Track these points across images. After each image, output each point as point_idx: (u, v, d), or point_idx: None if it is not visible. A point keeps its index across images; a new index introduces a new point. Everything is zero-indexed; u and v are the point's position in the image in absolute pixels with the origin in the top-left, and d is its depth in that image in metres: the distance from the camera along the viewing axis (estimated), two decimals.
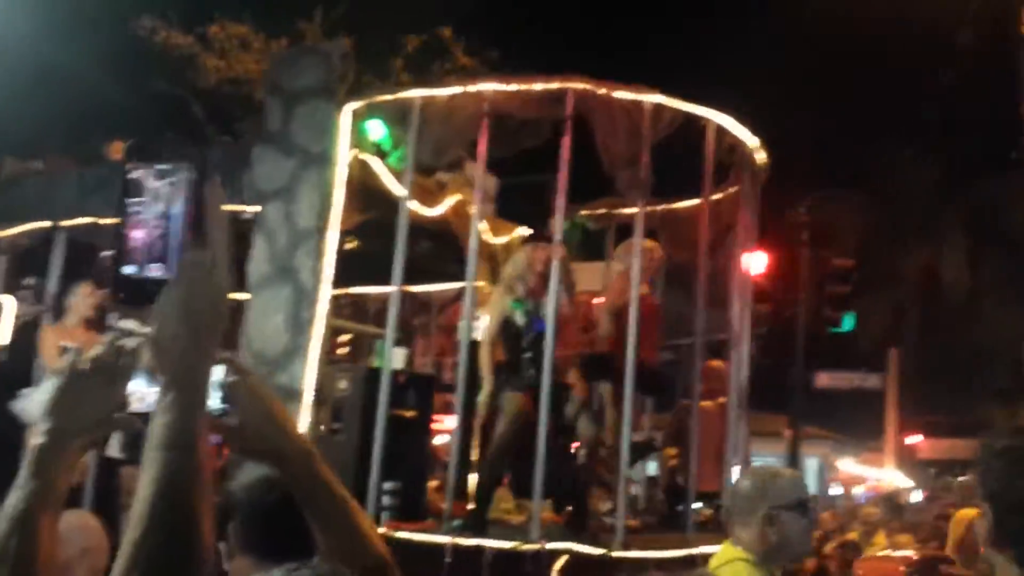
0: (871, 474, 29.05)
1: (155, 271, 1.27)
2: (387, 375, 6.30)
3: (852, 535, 11.10)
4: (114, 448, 6.77)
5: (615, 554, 5.74)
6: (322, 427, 6.55)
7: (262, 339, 6.58)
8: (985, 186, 27.06)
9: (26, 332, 7.91)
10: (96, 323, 7.55)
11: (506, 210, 8.64)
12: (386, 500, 6.22)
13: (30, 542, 1.27)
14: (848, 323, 17.75)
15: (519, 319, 6.28)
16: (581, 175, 9.05)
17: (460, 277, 8.91)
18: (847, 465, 28.97)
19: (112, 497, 6.93)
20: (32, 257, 7.98)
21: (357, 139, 6.72)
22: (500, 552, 5.77)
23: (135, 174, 1.29)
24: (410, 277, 8.81)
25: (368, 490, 6.16)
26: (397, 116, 6.67)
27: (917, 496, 25.04)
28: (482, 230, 7.93)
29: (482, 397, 6.21)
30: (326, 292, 6.53)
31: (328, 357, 6.73)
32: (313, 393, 6.38)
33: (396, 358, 6.83)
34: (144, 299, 1.25)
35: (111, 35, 17.93)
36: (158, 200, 1.28)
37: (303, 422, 6.33)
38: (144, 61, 17.90)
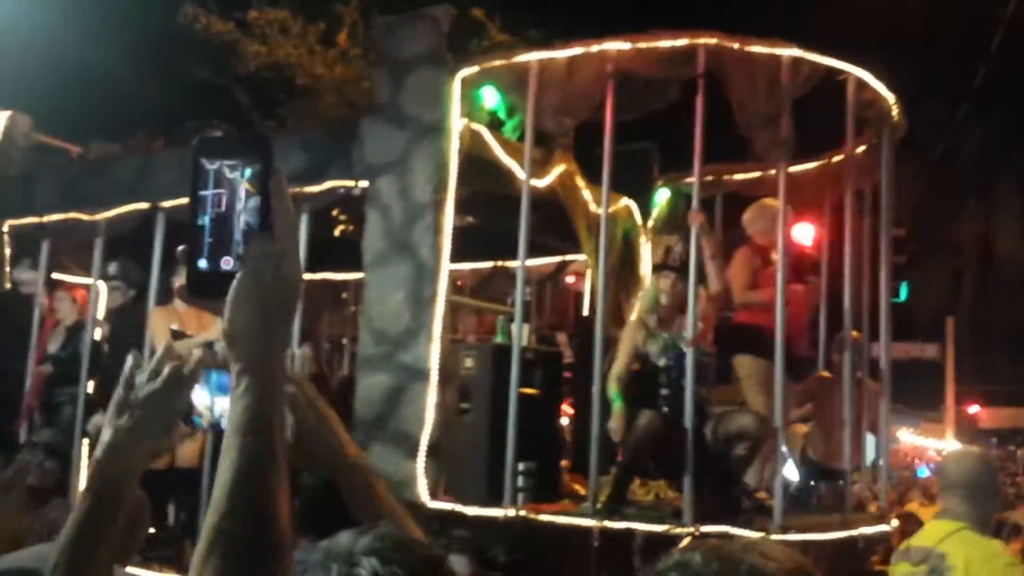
0: (931, 444, 28.63)
1: (227, 265, 1.28)
2: (517, 352, 6.01)
3: (912, 506, 10.83)
4: None
5: (774, 537, 5.44)
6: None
7: (383, 318, 6.31)
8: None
9: (123, 317, 7.70)
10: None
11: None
12: (521, 481, 5.95)
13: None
14: (903, 293, 17.44)
15: (655, 354, 5.95)
16: (682, 139, 8.79)
17: (560, 251, 8.67)
18: (906, 436, 28.55)
19: None
20: (121, 241, 7.78)
21: (469, 108, 6.41)
22: (652, 535, 5.49)
23: (205, 167, 1.30)
24: (507, 251, 8.57)
25: (503, 471, 5.91)
26: (512, 82, 6.35)
27: None
28: (587, 201, 7.64)
29: (613, 423, 5.88)
30: (446, 268, 6.25)
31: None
32: (438, 372, 6.11)
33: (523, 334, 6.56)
34: (218, 293, 1.26)
35: (154, 25, 17.81)
36: (228, 193, 1.29)
37: (430, 402, 6.07)
38: (186, 49, 17.79)
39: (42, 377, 7.61)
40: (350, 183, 6.70)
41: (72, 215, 7.65)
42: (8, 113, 8.43)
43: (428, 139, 6.32)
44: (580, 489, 6.35)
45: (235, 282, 1.25)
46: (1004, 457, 25.21)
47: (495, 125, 6.54)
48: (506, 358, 6.09)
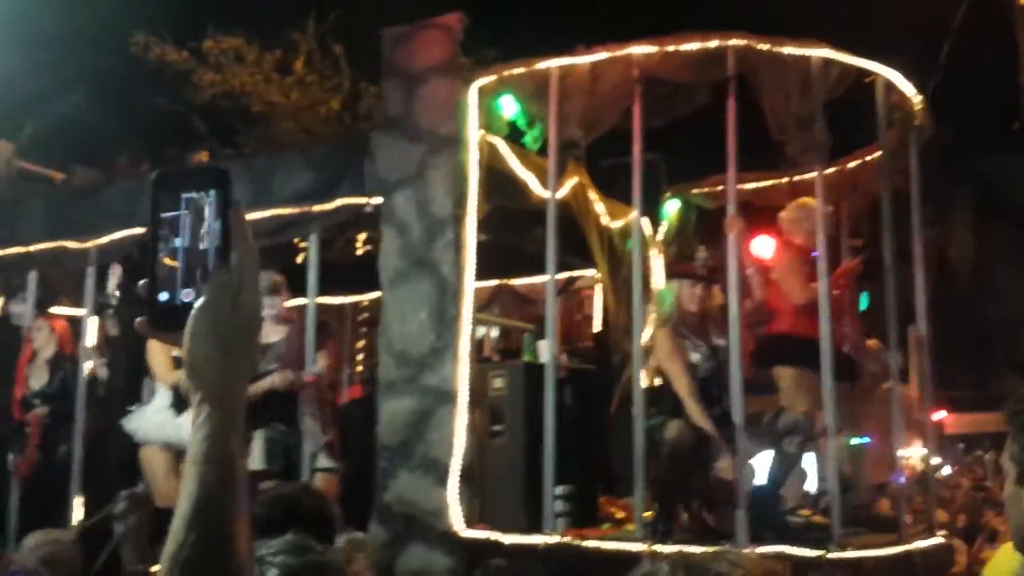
0: (900, 453, 28.66)
1: (187, 297, 1.28)
2: (551, 371, 5.77)
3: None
4: (256, 459, 6.23)
5: (831, 556, 5.23)
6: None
7: (404, 339, 6.03)
8: (988, 159, 26.92)
9: (117, 347, 7.35)
10: None
11: (611, 191, 8.10)
12: (560, 506, 5.69)
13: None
14: (863, 303, 17.52)
15: (697, 362, 5.75)
16: (689, 149, 8.62)
17: (569, 266, 8.43)
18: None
19: None
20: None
21: (487, 118, 6.18)
22: None
23: (164, 199, 1.31)
24: (513, 268, 8.32)
25: (541, 496, 5.65)
26: (532, 90, 6.13)
27: (947, 471, 24.86)
28: (599, 213, 7.43)
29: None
30: (470, 285, 5.99)
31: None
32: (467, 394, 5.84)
33: (546, 352, 6.32)
34: (179, 325, 1.27)
35: (106, 54, 17.47)
36: (187, 225, 1.30)
37: (459, 425, 5.80)
38: (140, 78, 17.51)
39: (38, 419, 7.20)
40: (362, 200, 6.43)
41: (61, 243, 7.28)
42: None
43: (445, 152, 6.08)
44: (616, 511, 6.10)
45: (193, 312, 1.25)
46: (972, 462, 25.40)
47: (515, 136, 6.30)
48: (537, 376, 5.85)
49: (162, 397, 6.76)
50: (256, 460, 6.35)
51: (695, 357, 5.70)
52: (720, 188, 7.92)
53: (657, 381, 5.89)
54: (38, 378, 7.30)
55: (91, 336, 7.43)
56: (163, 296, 1.29)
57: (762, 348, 6.00)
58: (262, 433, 6.37)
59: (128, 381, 7.00)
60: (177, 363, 6.62)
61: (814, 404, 5.72)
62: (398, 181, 6.21)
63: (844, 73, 5.81)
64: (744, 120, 5.92)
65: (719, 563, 1.38)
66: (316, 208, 6.50)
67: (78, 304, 7.87)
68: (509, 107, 6.22)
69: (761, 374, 6.02)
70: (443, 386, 5.88)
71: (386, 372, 6.14)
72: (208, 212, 1.29)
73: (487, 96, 6.13)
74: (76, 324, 7.56)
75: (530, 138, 6.25)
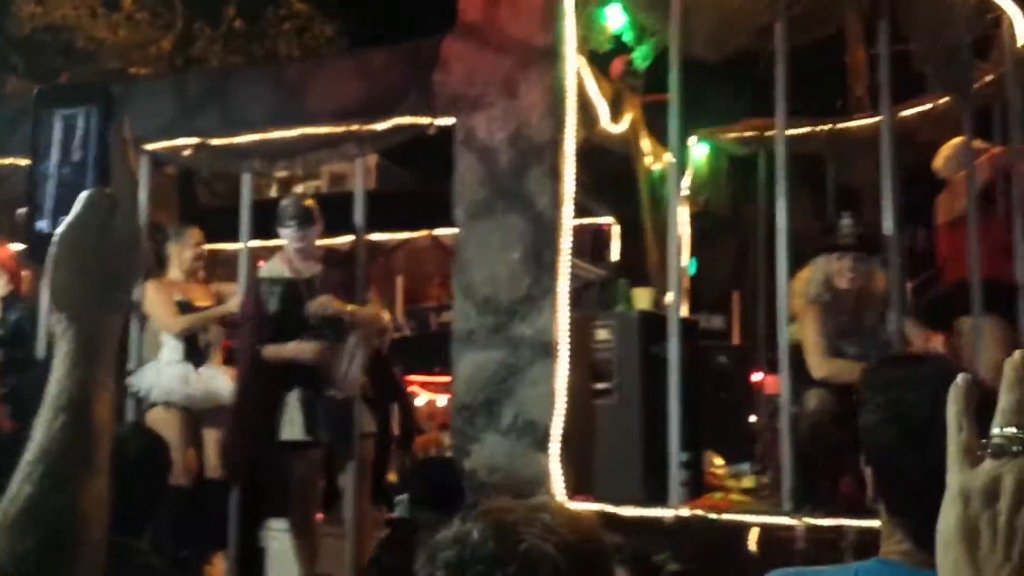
0: None
1: None
2: (676, 319, 5.07)
3: None
4: (295, 428, 5.27)
5: None
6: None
7: (492, 283, 5.18)
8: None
9: None
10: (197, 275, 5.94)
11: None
12: (682, 475, 5.02)
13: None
14: (692, 268, 17.81)
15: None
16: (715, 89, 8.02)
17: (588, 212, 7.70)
18: None
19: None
20: None
21: (586, 30, 5.37)
22: (867, 531, 4.71)
23: (43, 122, 1.20)
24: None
25: (659, 463, 4.96)
26: (647, 0, 5.35)
27: None
28: (645, 152, 6.76)
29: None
30: (568, 221, 5.19)
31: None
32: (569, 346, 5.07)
33: (644, 299, 5.62)
34: None
35: None
36: (67, 148, 1.20)
37: (560, 384, 5.02)
38: None
39: None
40: (424, 120, 5.50)
41: None
42: None
43: (539, 66, 5.22)
44: (731, 482, 5.49)
45: (55, 237, 1.12)
46: None
47: (619, 52, 5.52)
48: (651, 328, 5.14)
49: (170, 349, 5.64)
50: (295, 427, 5.38)
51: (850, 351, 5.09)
52: (750, 134, 7.42)
53: None
54: None
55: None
56: (41, 224, 1.18)
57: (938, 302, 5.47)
58: (298, 395, 5.39)
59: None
60: (182, 308, 5.55)
61: (1003, 351, 5.22)
62: (479, 98, 5.32)
63: (982, 5, 5.34)
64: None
65: (533, 528, 1.33)
66: (368, 127, 5.53)
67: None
68: (615, 18, 5.42)
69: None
70: (540, 337, 5.08)
71: (464, 321, 5.27)
72: (90, 131, 1.19)
73: (589, 4, 5.32)
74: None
75: (640, 56, 5.49)
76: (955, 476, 0.85)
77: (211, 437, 5.78)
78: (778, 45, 5.13)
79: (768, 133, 7.13)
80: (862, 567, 1.64)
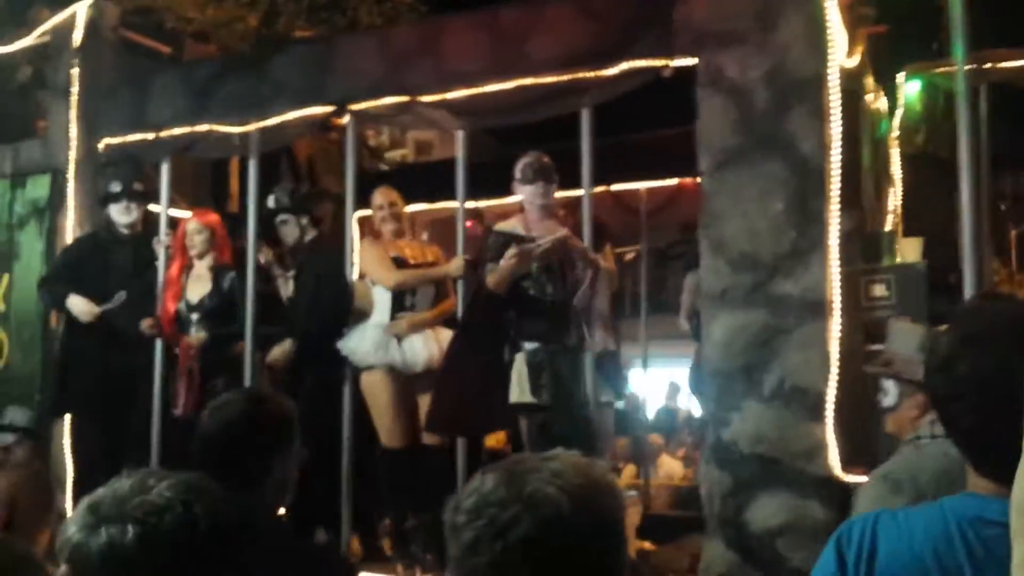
0: None
1: None
2: (972, 273, 4.56)
3: None
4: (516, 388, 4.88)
5: None
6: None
7: (751, 238, 4.71)
8: None
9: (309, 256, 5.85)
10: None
11: None
12: None
13: None
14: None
15: None
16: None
17: None
18: None
19: None
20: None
21: None
22: None
23: None
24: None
25: None
26: None
27: None
28: (868, 89, 6.21)
29: None
30: (837, 166, 4.70)
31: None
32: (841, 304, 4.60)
33: (913, 250, 5.12)
34: None
35: None
36: None
37: (833, 346, 4.56)
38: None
39: (190, 348, 5.54)
40: (658, 62, 5.03)
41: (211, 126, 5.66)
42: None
43: None
44: None
45: None
46: None
47: None
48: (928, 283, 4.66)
49: (380, 310, 5.28)
50: (516, 389, 4.97)
51: None
52: (970, 66, 6.81)
53: None
54: (196, 289, 5.64)
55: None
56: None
57: None
58: (523, 356, 4.98)
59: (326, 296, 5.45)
60: (398, 263, 5.19)
61: None
62: (729, 34, 4.83)
63: None
64: None
65: (539, 474, 1.41)
66: (596, 74, 5.07)
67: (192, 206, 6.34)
68: None
69: None
70: (808, 296, 4.62)
71: (715, 279, 4.82)
72: None
73: None
74: None
75: None
76: None
77: (423, 402, 5.42)
78: None
79: (989, 65, 6.57)
80: (948, 501, 1.62)
